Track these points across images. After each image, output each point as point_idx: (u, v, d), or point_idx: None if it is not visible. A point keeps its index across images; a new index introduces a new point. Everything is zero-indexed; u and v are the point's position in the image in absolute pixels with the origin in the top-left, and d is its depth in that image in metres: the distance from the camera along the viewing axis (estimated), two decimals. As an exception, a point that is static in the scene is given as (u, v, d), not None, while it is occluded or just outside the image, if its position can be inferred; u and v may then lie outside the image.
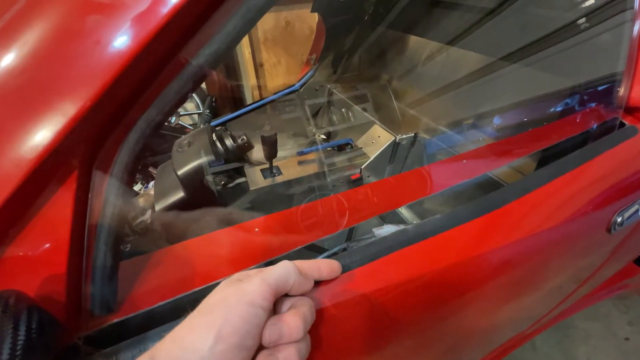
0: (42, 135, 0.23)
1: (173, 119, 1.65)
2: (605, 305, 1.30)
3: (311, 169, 0.88)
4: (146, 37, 0.24)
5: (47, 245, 0.26)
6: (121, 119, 0.27)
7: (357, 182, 0.86)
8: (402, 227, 0.41)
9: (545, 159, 0.60)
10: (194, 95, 1.70)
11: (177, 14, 0.24)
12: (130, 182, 0.29)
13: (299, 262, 0.32)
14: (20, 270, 0.26)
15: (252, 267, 0.36)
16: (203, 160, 0.64)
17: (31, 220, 0.25)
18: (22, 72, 0.24)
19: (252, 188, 0.76)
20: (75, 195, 0.26)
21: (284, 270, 0.29)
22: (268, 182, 0.80)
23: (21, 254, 0.26)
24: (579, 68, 0.81)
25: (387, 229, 0.41)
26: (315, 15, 1.11)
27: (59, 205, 0.26)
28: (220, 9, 0.27)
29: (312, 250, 0.46)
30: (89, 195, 0.27)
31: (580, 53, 0.81)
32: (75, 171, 0.26)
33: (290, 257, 0.38)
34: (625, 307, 1.29)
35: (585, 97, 0.70)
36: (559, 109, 0.78)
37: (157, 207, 0.62)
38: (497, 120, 1.00)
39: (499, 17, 1.02)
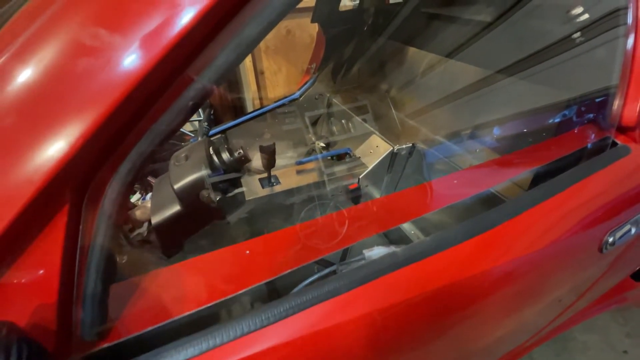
0: (34, 172, 0.24)
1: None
2: (603, 317, 1.30)
3: (310, 178, 0.88)
4: (136, 78, 0.25)
5: (39, 273, 0.26)
6: (112, 153, 0.28)
7: (355, 191, 0.86)
8: (392, 248, 0.42)
9: (540, 175, 0.61)
10: (194, 102, 1.71)
11: (168, 55, 0.25)
12: (120, 212, 0.29)
13: None
14: (13, 298, 0.26)
15: (244, 289, 0.36)
16: (199, 174, 0.64)
17: (24, 251, 0.26)
18: (15, 109, 0.25)
19: (249, 198, 0.77)
20: (67, 228, 0.27)
21: None
22: (266, 191, 0.80)
23: (14, 282, 0.26)
24: (573, 81, 0.81)
25: (377, 251, 0.41)
26: (316, 24, 1.12)
27: (51, 238, 0.26)
28: (209, 47, 0.28)
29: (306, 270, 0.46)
30: (80, 227, 0.28)
31: (575, 67, 0.82)
32: (66, 204, 0.27)
33: (283, 279, 0.39)
34: (624, 320, 1.28)
35: (580, 110, 0.71)
36: (553, 121, 0.78)
37: (154, 221, 0.62)
38: (493, 132, 1.01)
39: (495, 30, 1.03)
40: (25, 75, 0.25)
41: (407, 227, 1.06)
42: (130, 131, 0.28)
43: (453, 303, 0.45)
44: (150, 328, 0.31)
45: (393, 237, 1.07)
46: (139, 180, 0.81)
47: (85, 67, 0.25)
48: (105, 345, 0.30)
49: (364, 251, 0.42)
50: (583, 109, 0.70)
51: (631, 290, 1.02)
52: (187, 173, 0.64)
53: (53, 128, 0.25)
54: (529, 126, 0.89)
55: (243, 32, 0.27)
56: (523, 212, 0.47)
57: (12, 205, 0.24)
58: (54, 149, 0.24)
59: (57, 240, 0.26)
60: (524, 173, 0.66)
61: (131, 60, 0.25)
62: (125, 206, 0.30)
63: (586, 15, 0.83)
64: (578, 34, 0.82)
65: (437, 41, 1.17)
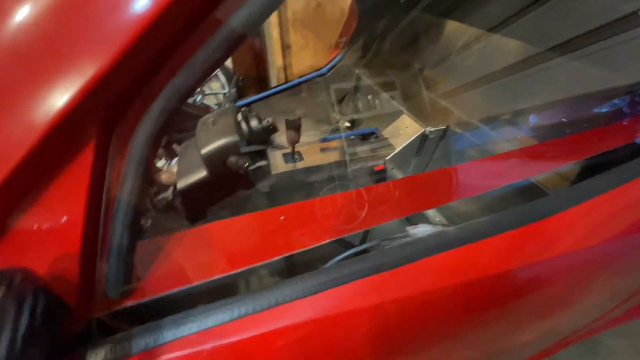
0: (57, 97, 0.21)
1: (199, 98, 1.65)
2: (633, 322, 1.23)
3: (333, 156, 0.86)
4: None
5: (61, 219, 0.24)
6: (145, 86, 0.24)
7: (381, 173, 0.83)
8: (439, 227, 0.37)
9: (590, 167, 0.55)
10: (220, 74, 1.69)
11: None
12: (152, 156, 0.26)
13: None
14: (32, 245, 0.24)
15: (273, 259, 0.33)
16: (227, 140, 0.61)
17: (44, 190, 0.23)
18: (36, 29, 0.21)
19: (273, 172, 0.75)
20: (93, 167, 0.23)
21: None
22: (289, 167, 0.79)
23: (34, 227, 0.23)
24: (635, 65, 0.73)
25: (423, 229, 0.37)
26: (348, -3, 1.06)
27: (75, 176, 0.23)
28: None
29: (340, 245, 0.42)
30: (107, 169, 0.25)
31: (636, 49, 0.73)
32: (93, 140, 0.23)
33: (316, 250, 0.36)
34: (656, 327, 1.21)
35: (637, 99, 0.63)
36: (605, 110, 0.71)
37: (180, 185, 0.60)
38: (535, 119, 0.93)
39: (547, 4, 0.93)
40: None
41: (431, 214, 1.02)
42: (164, 65, 0.24)
43: (497, 294, 0.40)
44: (177, 289, 0.29)
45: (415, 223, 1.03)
46: (170, 131, 0.79)
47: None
48: (130, 303, 0.27)
49: (408, 228, 0.38)
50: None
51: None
52: (215, 138, 0.61)
53: (79, 49, 0.21)
54: (577, 114, 0.81)
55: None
56: (579, 204, 0.41)
57: (31, 134, 0.20)
58: (80, 71, 0.21)
59: (81, 181, 0.23)
60: (569, 164, 0.60)
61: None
62: (155, 153, 0.27)
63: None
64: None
65: (479, 14, 1.08)
